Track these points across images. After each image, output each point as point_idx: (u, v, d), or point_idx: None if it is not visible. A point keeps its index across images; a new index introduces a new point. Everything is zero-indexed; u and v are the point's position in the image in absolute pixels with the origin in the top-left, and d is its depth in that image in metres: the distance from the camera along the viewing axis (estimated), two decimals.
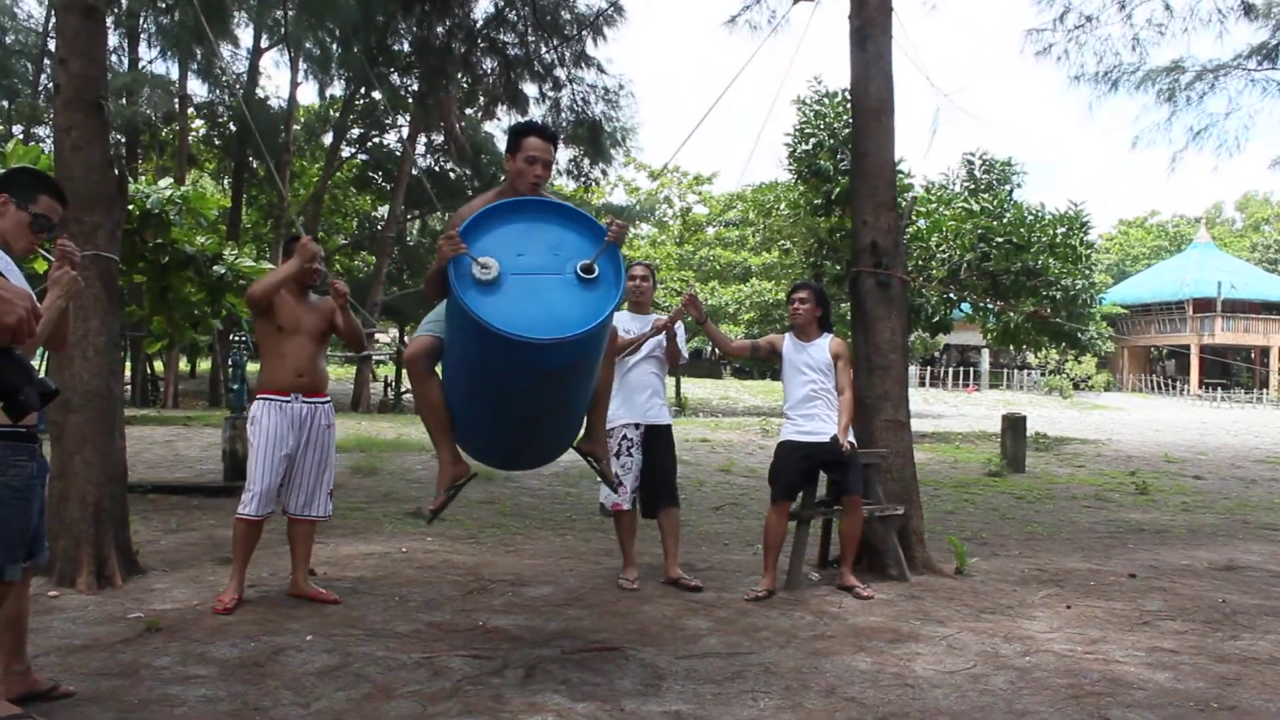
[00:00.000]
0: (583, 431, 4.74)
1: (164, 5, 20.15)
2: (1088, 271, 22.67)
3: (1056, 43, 12.10)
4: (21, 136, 24.75)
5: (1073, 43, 12.13)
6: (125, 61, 27.09)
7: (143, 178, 16.57)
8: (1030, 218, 21.51)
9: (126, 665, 4.34)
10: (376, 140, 35.16)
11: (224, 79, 25.66)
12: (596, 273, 3.99)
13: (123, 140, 26.81)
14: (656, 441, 6.44)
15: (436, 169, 34.19)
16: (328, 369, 5.97)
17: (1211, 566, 7.52)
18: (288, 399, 5.54)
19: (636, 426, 6.35)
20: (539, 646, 4.83)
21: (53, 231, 3.70)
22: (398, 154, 32.52)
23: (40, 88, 24.88)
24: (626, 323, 6.46)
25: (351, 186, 38.05)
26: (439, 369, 4.45)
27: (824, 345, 6.38)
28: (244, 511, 5.45)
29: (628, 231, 4.20)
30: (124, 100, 24.46)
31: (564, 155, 27.44)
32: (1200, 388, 52.09)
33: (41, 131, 25.82)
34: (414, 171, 31.03)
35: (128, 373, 24.92)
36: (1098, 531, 9.53)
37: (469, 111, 21.91)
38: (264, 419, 5.48)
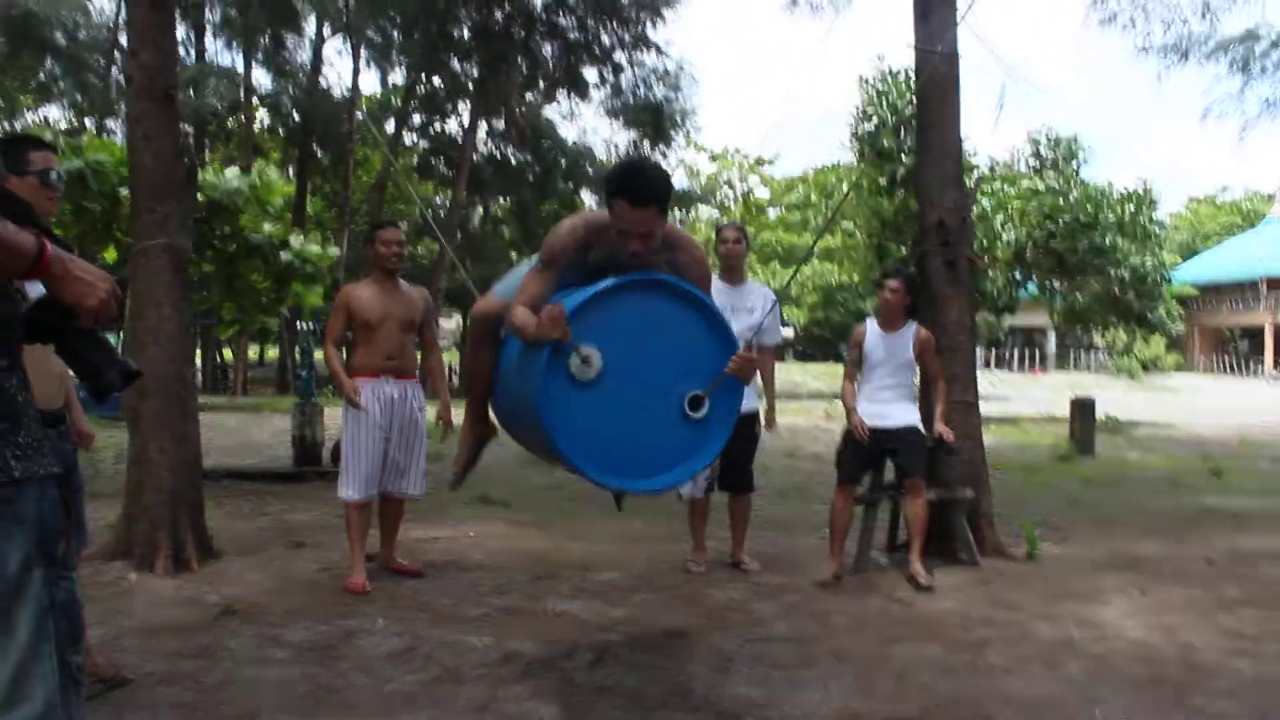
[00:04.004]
0: None
1: None
2: (1157, 250, 22.25)
3: (1122, 10, 11.73)
4: (94, 128, 25.27)
5: (1139, 10, 11.77)
6: (192, 54, 27.52)
7: (209, 167, 16.83)
8: (1097, 196, 21.12)
9: (204, 647, 4.42)
10: (438, 128, 35.35)
11: (288, 69, 25.96)
12: (705, 411, 3.48)
13: (190, 131, 27.25)
14: (740, 428, 6.22)
15: (498, 155, 34.32)
16: (416, 354, 6.05)
17: None
18: (378, 380, 5.66)
19: None
20: (607, 631, 4.85)
21: (59, 184, 3.61)
22: (459, 141, 32.68)
23: (109, 81, 25.36)
24: (718, 295, 5.75)
25: (414, 173, 38.35)
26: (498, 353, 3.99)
27: (908, 338, 6.26)
28: (349, 496, 5.63)
29: (754, 371, 3.62)
30: (191, 92, 24.85)
31: (623, 138, 27.51)
32: (1276, 368, 50.89)
33: (112, 124, 26.32)
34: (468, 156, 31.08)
35: (198, 360, 25.37)
36: (1171, 516, 9.33)
37: (529, 96, 21.97)
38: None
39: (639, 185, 3.42)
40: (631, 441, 3.43)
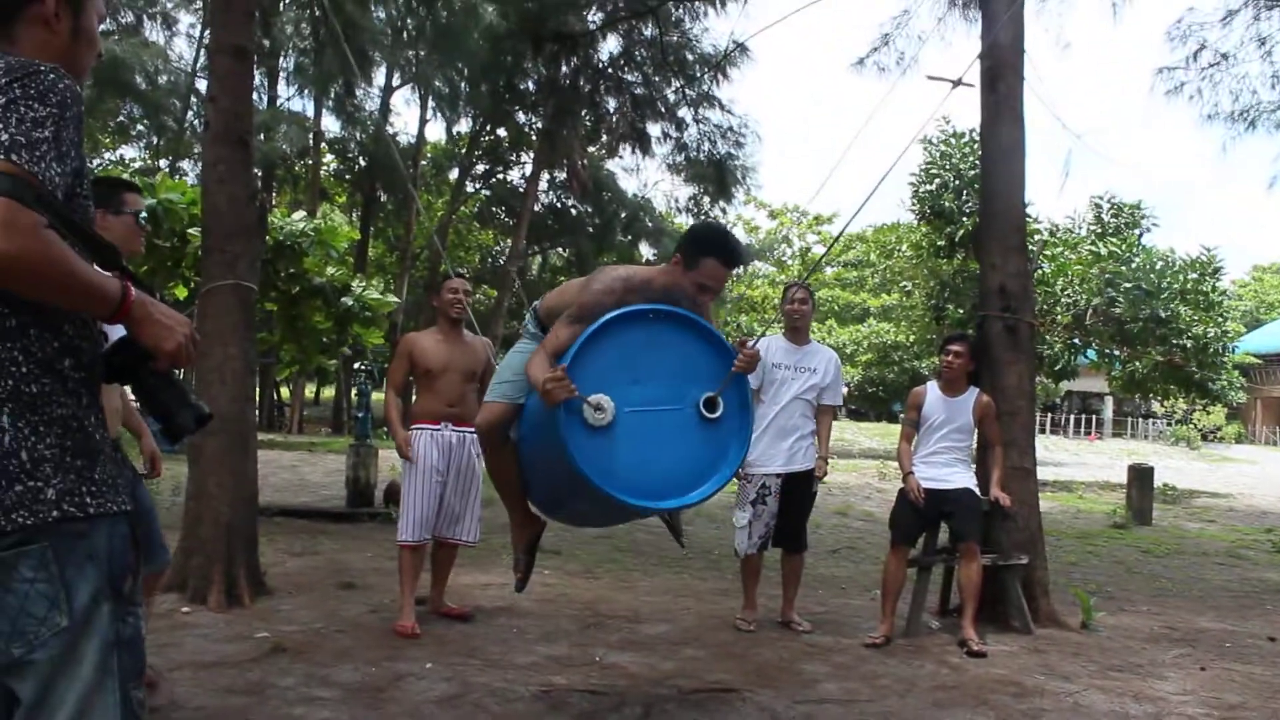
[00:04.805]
0: None
1: (304, 46, 20.94)
2: (1220, 319, 21.86)
3: (1189, 81, 11.75)
4: (167, 170, 25.91)
5: (1206, 81, 11.77)
6: (265, 99, 28.20)
7: (276, 210, 17.16)
8: (1160, 263, 20.83)
9: (254, 684, 4.46)
10: (500, 176, 35.82)
11: (358, 116, 26.49)
12: (720, 410, 3.58)
13: (260, 174, 27.84)
14: (797, 487, 6.25)
15: (558, 205, 34.65)
16: (477, 402, 6.12)
17: None
18: (439, 428, 5.76)
19: (778, 476, 6.16)
20: (656, 685, 4.82)
21: (146, 225, 3.86)
22: (520, 190, 33.06)
23: (185, 124, 26.01)
24: (781, 355, 6.24)
25: (475, 221, 38.79)
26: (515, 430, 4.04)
27: (969, 403, 6.26)
28: (403, 538, 5.70)
29: (759, 360, 3.79)
30: (262, 136, 25.44)
31: (684, 193, 27.70)
32: None
33: (185, 165, 26.98)
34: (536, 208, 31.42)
35: (256, 397, 25.73)
36: (1232, 590, 9.13)
37: (591, 149, 22.22)
38: (417, 447, 5.71)
39: (733, 250, 3.79)
40: (670, 460, 3.55)
